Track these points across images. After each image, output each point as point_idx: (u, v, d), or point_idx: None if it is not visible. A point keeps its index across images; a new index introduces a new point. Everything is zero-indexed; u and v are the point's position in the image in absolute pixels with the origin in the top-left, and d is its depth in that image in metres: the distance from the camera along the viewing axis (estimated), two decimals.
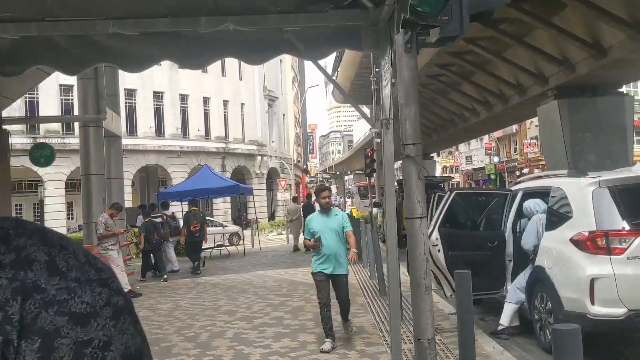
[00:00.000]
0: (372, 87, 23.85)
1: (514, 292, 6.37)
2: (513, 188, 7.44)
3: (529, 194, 6.70)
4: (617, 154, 24.65)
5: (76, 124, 22.87)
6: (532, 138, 56.25)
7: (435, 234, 7.01)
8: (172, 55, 5.91)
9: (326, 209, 6.87)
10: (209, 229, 17.11)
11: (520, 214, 6.78)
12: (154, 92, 36.51)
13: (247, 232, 23.48)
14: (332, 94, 48.04)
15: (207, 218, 17.81)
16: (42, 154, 14.90)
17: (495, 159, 65.16)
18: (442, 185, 16.14)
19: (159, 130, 36.68)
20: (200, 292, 10.67)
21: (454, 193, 7.55)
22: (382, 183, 35.90)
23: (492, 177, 68.97)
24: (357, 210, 23.61)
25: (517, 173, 60.99)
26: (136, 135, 35.50)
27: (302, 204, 21.62)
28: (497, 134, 61.31)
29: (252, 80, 42.85)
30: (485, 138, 68.48)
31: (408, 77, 4.42)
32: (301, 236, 18.24)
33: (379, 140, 25.15)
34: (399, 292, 7.49)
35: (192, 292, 10.84)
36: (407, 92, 4.44)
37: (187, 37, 5.41)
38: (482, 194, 9.32)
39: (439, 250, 6.90)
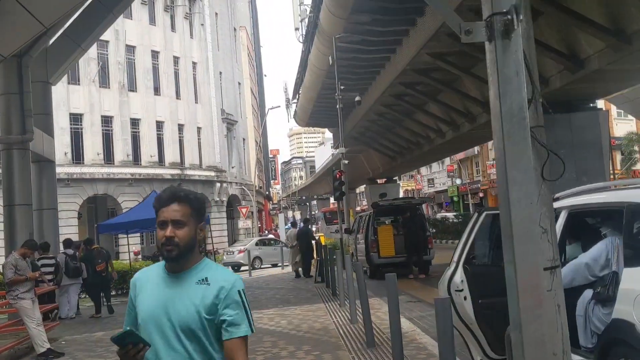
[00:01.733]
0: (338, 106, 22.25)
1: None
2: (555, 205, 5.47)
3: (580, 214, 4.92)
4: (594, 170, 23.64)
5: None
6: (494, 159, 55.76)
7: (460, 275, 5.14)
8: None
9: (174, 262, 2.35)
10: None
11: (564, 239, 4.94)
12: (102, 116, 34.17)
13: None
14: (294, 117, 46.47)
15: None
16: None
17: (458, 181, 64.53)
18: (421, 207, 14.52)
19: (108, 157, 34.24)
20: None
21: (483, 215, 5.40)
22: (350, 207, 34.05)
23: (455, 199, 68.35)
24: (325, 237, 21.89)
25: (481, 194, 60.48)
26: (83, 163, 32.99)
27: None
28: (459, 156, 60.86)
29: (209, 103, 40.92)
30: (447, 160, 68.13)
31: None
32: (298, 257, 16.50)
33: (346, 161, 23.64)
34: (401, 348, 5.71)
35: None
36: None
37: None
38: None
39: (465, 298, 5.02)
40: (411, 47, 24.02)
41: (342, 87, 22.22)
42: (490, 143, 54.73)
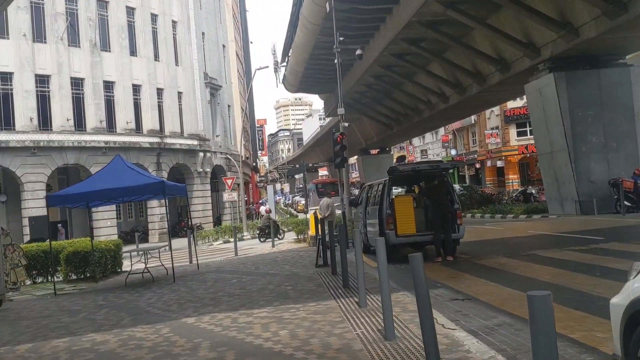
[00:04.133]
0: (337, 61, 19.31)
1: None
2: None
3: None
4: (625, 134, 21.06)
5: None
6: (492, 128, 53.28)
7: None
8: None
9: None
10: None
11: None
12: (72, 78, 30.91)
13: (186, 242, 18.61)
14: (282, 82, 43.31)
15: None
16: None
17: (453, 152, 61.86)
18: (448, 173, 11.77)
19: (79, 124, 31.06)
20: None
21: None
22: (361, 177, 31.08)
23: (450, 171, 65.75)
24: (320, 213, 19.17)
25: (477, 165, 57.98)
26: (51, 130, 29.84)
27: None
28: (455, 125, 58.13)
29: (191, 66, 37.65)
30: (442, 130, 65.40)
31: None
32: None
33: (346, 124, 20.81)
34: None
35: None
36: None
37: None
38: None
39: None
40: None
41: (341, 39, 19.23)
42: (488, 112, 52.07)
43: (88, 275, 14.81)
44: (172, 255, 12.93)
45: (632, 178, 19.18)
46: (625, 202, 18.42)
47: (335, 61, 19.50)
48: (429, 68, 29.22)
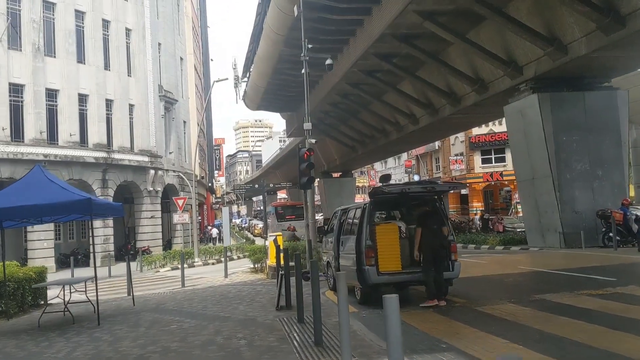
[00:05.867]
0: (304, 70, 17.31)
1: None
2: None
3: None
4: (611, 161, 19.65)
5: None
6: (457, 155, 52.26)
7: None
8: None
9: None
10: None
11: None
12: (10, 84, 28.00)
13: (133, 265, 15.77)
14: (242, 99, 41.07)
15: None
16: None
17: (416, 177, 60.54)
18: (442, 197, 9.74)
19: (17, 134, 28.08)
20: None
21: None
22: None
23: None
24: (283, 238, 17.03)
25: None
26: None
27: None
28: (419, 150, 56.99)
29: (145, 78, 35.07)
30: (404, 156, 64.23)
31: None
32: None
33: (314, 140, 18.71)
34: None
35: None
36: None
37: None
38: None
39: None
40: (395, 3, 19.35)
41: (309, 46, 17.27)
42: (452, 138, 50.97)
43: (2, 308, 12.13)
44: (97, 289, 10.36)
45: (621, 209, 17.71)
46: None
47: (303, 71, 17.49)
48: (400, 87, 27.59)
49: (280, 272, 9.75)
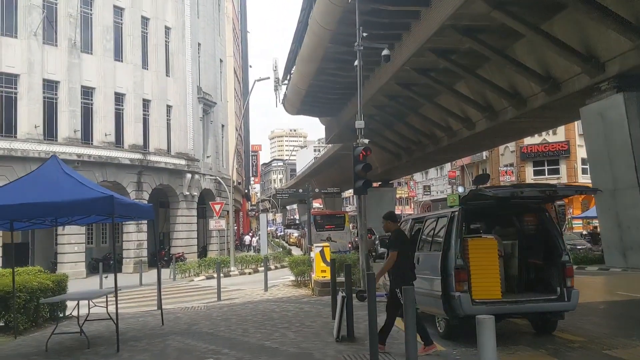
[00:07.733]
0: (358, 62, 15.41)
1: None
2: None
3: None
4: None
5: None
6: (506, 165, 49.55)
7: None
8: None
9: None
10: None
11: None
12: (44, 80, 26.94)
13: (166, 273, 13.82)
14: (282, 103, 39.44)
15: None
16: None
17: (461, 189, 57.86)
18: (553, 207, 7.60)
19: (50, 132, 26.96)
20: None
21: None
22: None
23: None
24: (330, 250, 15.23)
25: None
26: (15, 137, 25.73)
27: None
28: (465, 160, 54.41)
29: (183, 78, 33.81)
30: (448, 166, 61.64)
31: None
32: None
33: (367, 140, 16.65)
34: None
35: None
36: None
37: None
38: None
39: None
40: None
41: (364, 35, 15.35)
42: (502, 147, 48.31)
43: (10, 323, 10.46)
44: (117, 307, 8.51)
45: None
46: None
47: (356, 63, 15.61)
48: (457, 87, 25.40)
49: (342, 296, 7.74)
